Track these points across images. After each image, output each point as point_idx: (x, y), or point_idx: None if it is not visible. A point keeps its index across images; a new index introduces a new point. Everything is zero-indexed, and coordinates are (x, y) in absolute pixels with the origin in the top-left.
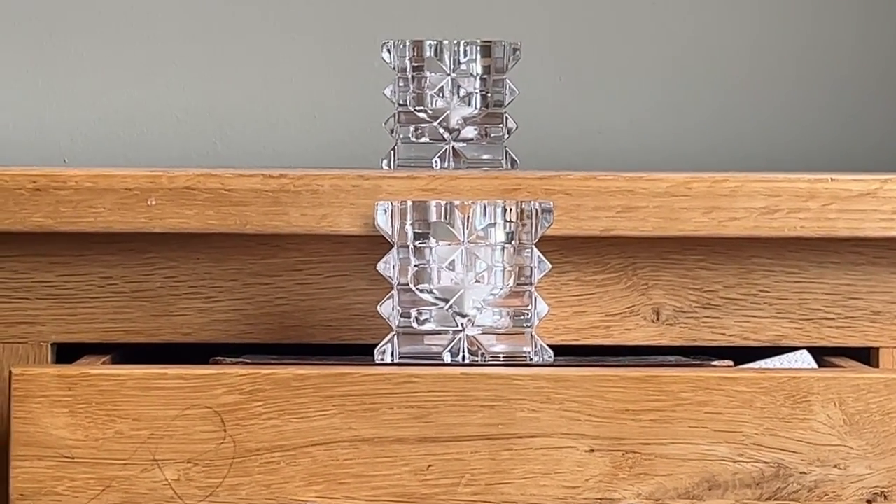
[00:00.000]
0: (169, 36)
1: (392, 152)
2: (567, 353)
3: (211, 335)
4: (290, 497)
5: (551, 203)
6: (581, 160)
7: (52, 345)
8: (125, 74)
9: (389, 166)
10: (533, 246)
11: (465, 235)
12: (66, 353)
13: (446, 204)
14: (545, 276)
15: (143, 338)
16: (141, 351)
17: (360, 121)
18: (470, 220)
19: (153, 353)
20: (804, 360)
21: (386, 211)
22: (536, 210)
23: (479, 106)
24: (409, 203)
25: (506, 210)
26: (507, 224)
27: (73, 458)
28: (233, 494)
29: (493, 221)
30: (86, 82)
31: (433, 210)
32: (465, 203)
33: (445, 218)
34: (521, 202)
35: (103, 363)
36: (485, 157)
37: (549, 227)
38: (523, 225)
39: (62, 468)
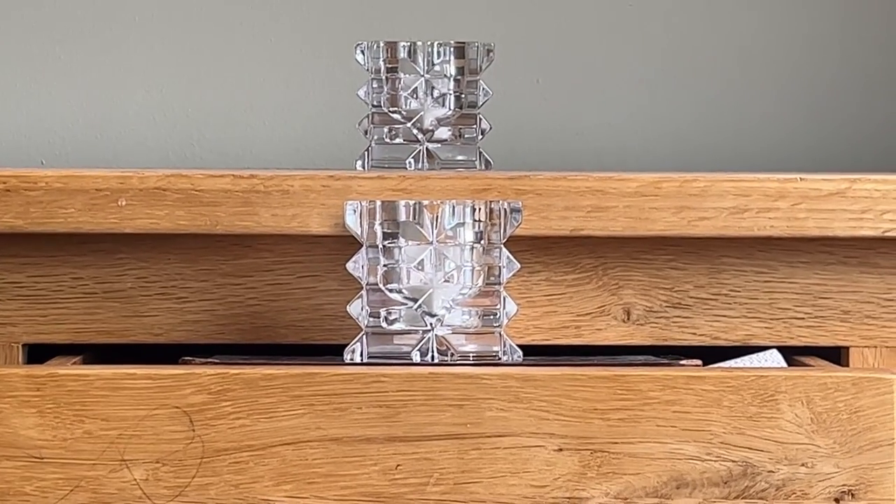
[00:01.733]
0: (147, 38)
1: (366, 153)
2: (538, 353)
3: (182, 336)
4: (259, 497)
5: (520, 203)
6: (559, 161)
7: (23, 345)
8: (102, 77)
9: (363, 167)
10: (502, 245)
11: (434, 235)
12: (38, 353)
13: (415, 204)
14: (515, 275)
15: (114, 338)
16: (112, 351)
17: (336, 122)
18: (439, 219)
19: (124, 353)
20: (774, 359)
21: (355, 211)
22: (505, 210)
23: (452, 107)
24: (378, 203)
25: (475, 210)
26: (476, 224)
27: (41, 458)
28: (202, 494)
29: (461, 221)
30: (64, 84)
31: (402, 210)
32: (434, 203)
33: (414, 218)
34: (490, 202)
35: (74, 364)
36: (459, 158)
37: (517, 226)
38: (492, 225)
39: (31, 468)
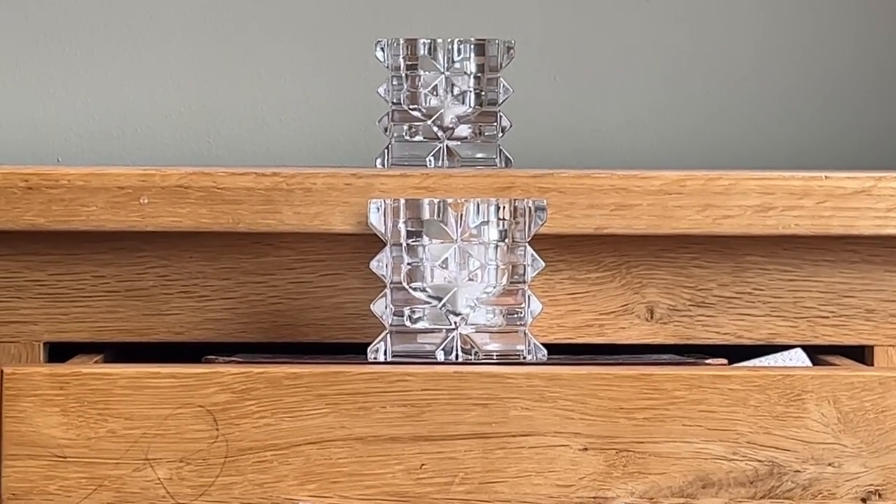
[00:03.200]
0: (163, 35)
1: (386, 151)
2: (561, 352)
3: (203, 334)
4: (283, 496)
5: (544, 201)
6: (577, 159)
7: (44, 344)
8: (119, 73)
9: (383, 165)
10: (526, 244)
11: (459, 233)
12: (59, 352)
13: (439, 202)
14: (539, 274)
15: (136, 337)
16: (133, 350)
17: (354, 119)
18: (463, 218)
19: (146, 352)
20: (798, 358)
21: (379, 209)
22: (530, 208)
23: (472, 104)
24: (402, 201)
25: (499, 208)
26: (501, 222)
27: (64, 457)
28: (225, 493)
29: (486, 219)
30: (79, 81)
31: (426, 208)
32: (458, 201)
33: (438, 216)
34: (515, 200)
35: (95, 362)
36: (479, 155)
37: (542, 225)
38: (516, 223)
39: (54, 467)
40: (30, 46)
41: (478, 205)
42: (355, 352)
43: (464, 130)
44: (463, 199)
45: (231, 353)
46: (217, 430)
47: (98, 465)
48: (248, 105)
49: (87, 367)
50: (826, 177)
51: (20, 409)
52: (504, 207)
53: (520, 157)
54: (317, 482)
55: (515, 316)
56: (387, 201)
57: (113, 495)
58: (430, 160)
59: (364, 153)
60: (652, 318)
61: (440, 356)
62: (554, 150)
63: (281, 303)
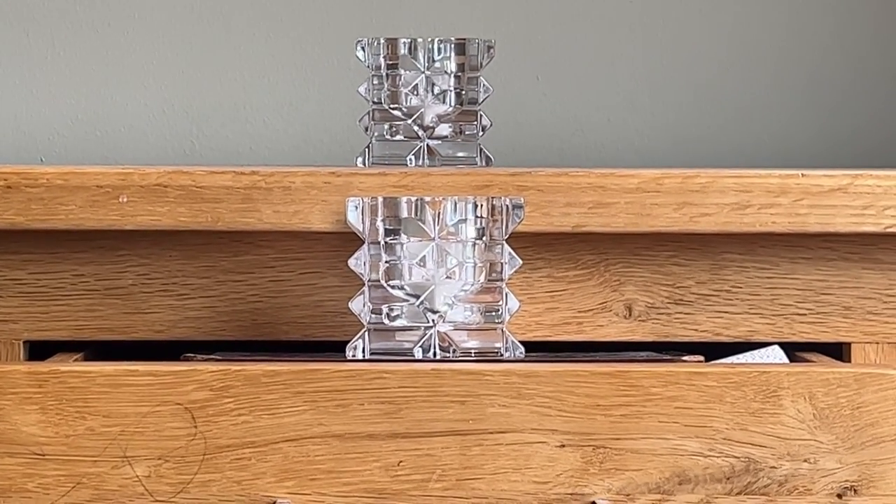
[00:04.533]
0: (147, 35)
1: (366, 150)
2: (540, 350)
3: (184, 332)
4: (262, 493)
5: (522, 199)
6: (559, 158)
7: (24, 342)
8: (102, 73)
9: (364, 164)
10: (504, 242)
11: (436, 231)
12: (39, 350)
13: (417, 200)
14: (517, 272)
15: (116, 335)
16: (114, 349)
17: (339, 119)
18: (441, 216)
19: (126, 350)
20: (776, 355)
21: (357, 207)
22: (507, 206)
23: (453, 104)
24: (380, 199)
25: (476, 206)
26: (478, 220)
27: (43, 454)
28: (204, 491)
29: (463, 217)
30: (63, 81)
31: (404, 206)
32: (436, 199)
33: (416, 214)
34: (492, 198)
35: (75, 360)
36: (459, 154)
37: (519, 222)
38: (494, 221)
39: (33, 465)
40: (13, 45)
41: (455, 203)
42: (335, 350)
43: (444, 129)
44: (441, 198)
45: (211, 352)
46: (195, 427)
47: (77, 462)
48: (232, 105)
49: (65, 365)
50: (803, 174)
51: None
52: (481, 205)
53: (504, 156)
54: (295, 479)
55: (493, 313)
56: (364, 199)
57: (91, 493)
58: (410, 159)
59: (347, 152)
60: (630, 315)
61: (418, 354)
62: (536, 148)
63: (260, 301)
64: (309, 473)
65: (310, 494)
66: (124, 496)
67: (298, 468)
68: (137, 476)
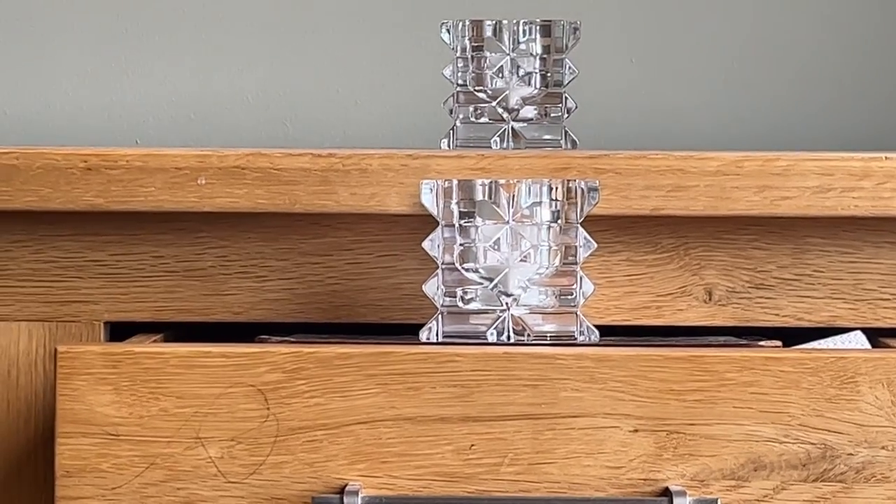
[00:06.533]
0: (241, 19)
1: (451, 132)
2: (618, 334)
3: (262, 314)
4: (333, 475)
5: (597, 182)
6: (655, 142)
7: (105, 323)
8: (197, 57)
9: (449, 146)
10: (578, 225)
11: (511, 214)
12: (121, 331)
13: (491, 183)
14: (595, 255)
15: (195, 317)
16: (193, 330)
17: (428, 102)
18: (515, 198)
19: (205, 331)
20: (858, 341)
21: (431, 190)
22: (582, 189)
23: (538, 86)
24: (455, 182)
25: (551, 189)
26: (553, 203)
27: (117, 435)
28: (276, 472)
29: (538, 200)
30: (158, 64)
31: (478, 189)
32: (511, 182)
33: (491, 197)
34: (567, 181)
35: (154, 342)
36: (545, 137)
37: (595, 205)
38: (569, 204)
39: (107, 445)
40: (109, 30)
41: (529, 186)
42: (412, 332)
43: (529, 112)
44: (515, 180)
45: (289, 334)
46: (268, 409)
47: (150, 443)
48: (324, 88)
49: (139, 346)
50: (886, 157)
51: (74, 388)
52: (556, 188)
53: (594, 139)
54: (366, 462)
55: (568, 297)
56: (439, 182)
57: (165, 473)
58: (495, 141)
59: (435, 135)
60: (710, 299)
61: (492, 337)
62: (629, 133)
63: (338, 283)
64: (380, 456)
65: (381, 477)
66: (197, 477)
67: (370, 451)
68: (210, 457)
